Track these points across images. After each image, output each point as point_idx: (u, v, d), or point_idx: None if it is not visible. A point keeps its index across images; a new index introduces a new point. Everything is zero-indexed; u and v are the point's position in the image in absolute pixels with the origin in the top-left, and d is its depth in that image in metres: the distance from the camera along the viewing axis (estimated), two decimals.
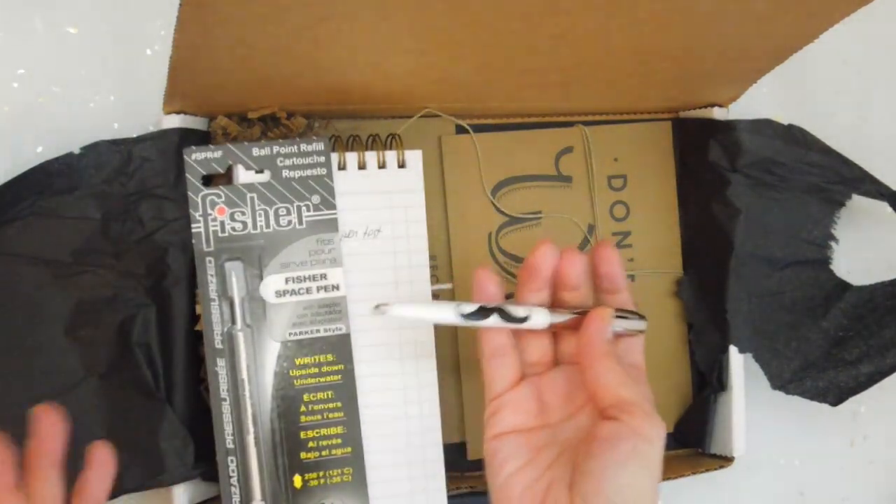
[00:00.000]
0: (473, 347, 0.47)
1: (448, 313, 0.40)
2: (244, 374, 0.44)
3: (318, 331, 0.45)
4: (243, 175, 0.44)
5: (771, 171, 0.52)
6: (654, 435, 0.37)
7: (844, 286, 0.54)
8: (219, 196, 0.44)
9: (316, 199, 0.45)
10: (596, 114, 0.53)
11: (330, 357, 0.45)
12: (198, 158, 0.44)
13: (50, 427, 0.38)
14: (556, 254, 0.41)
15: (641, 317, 0.42)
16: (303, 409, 0.45)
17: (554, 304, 0.42)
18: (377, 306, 0.39)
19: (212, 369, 0.44)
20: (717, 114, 0.52)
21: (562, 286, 0.41)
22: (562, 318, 0.41)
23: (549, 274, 0.41)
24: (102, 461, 0.39)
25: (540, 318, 0.40)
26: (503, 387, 0.41)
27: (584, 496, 0.36)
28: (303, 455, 0.45)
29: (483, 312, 0.40)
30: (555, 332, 0.42)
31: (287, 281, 0.44)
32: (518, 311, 0.40)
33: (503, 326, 0.40)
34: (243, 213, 0.44)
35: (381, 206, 0.47)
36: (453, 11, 0.38)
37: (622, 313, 0.41)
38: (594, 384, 0.38)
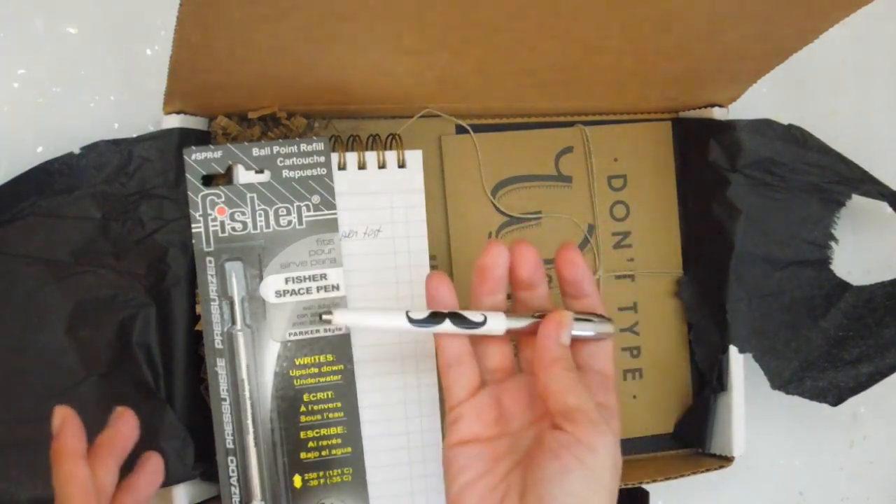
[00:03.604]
0: None
1: (397, 320, 0.39)
2: (244, 374, 0.44)
3: (318, 331, 0.45)
4: (243, 175, 0.44)
5: (771, 171, 0.52)
6: (598, 444, 0.36)
7: (844, 286, 0.54)
8: (219, 196, 0.44)
9: (316, 199, 0.45)
10: (596, 114, 0.53)
11: (330, 357, 0.45)
12: (198, 158, 0.44)
13: (127, 428, 0.40)
14: (507, 255, 0.40)
15: (607, 320, 0.41)
16: (303, 409, 0.45)
17: (514, 308, 0.41)
18: (320, 315, 0.38)
19: (212, 369, 0.44)
20: (717, 114, 0.52)
21: (517, 284, 0.41)
22: (519, 323, 0.40)
23: (501, 275, 0.40)
24: (153, 469, 0.42)
25: (496, 323, 0.39)
26: (462, 396, 0.40)
27: None
28: (303, 455, 0.45)
29: (435, 318, 0.39)
30: (515, 338, 0.41)
31: (287, 281, 0.44)
32: (474, 315, 0.39)
33: (457, 332, 0.39)
34: (243, 213, 0.44)
35: (381, 206, 0.47)
36: (453, 11, 0.38)
37: (586, 317, 0.40)
38: (544, 392, 0.38)
